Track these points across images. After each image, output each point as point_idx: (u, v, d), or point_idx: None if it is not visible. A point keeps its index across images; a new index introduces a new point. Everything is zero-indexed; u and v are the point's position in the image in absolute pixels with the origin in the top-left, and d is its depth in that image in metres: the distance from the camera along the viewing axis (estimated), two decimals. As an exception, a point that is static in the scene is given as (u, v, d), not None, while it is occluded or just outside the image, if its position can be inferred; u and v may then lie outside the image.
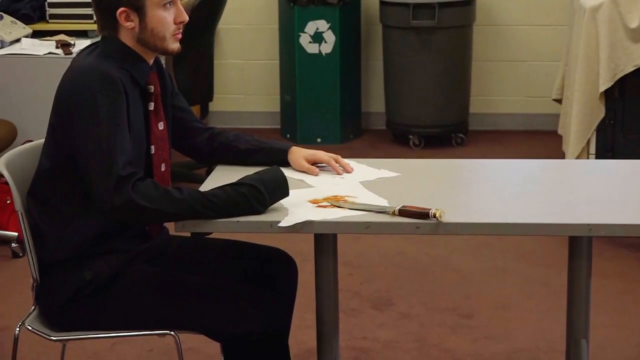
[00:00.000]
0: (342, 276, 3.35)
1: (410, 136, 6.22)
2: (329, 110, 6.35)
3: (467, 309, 4.12)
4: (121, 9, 2.76)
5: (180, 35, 2.86)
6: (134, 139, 2.76)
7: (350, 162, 3.09)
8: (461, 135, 6.34)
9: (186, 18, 2.85)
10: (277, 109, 6.63)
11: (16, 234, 4.74)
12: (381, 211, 2.67)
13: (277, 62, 6.60)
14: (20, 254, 4.69)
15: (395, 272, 4.51)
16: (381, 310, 4.12)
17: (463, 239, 4.83)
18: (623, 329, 3.93)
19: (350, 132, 6.44)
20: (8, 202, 4.82)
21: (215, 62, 6.03)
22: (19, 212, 2.87)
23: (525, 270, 4.46)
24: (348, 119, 6.46)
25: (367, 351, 3.78)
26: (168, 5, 2.80)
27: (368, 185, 2.92)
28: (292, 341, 3.04)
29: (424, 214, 2.59)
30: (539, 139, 6.19)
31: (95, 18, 2.92)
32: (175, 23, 2.82)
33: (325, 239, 2.95)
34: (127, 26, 2.79)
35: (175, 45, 2.85)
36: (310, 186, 2.91)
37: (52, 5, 5.66)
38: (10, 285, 4.42)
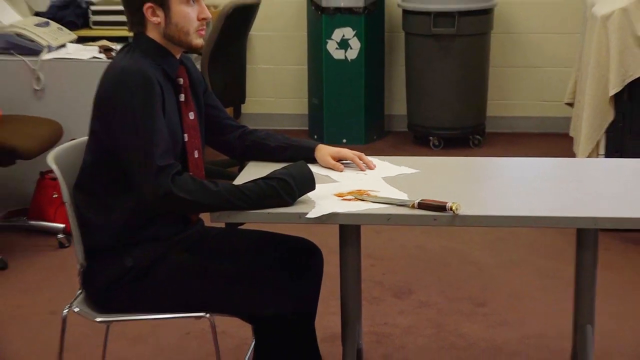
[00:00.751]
0: (365, 267, 3.39)
1: (431, 137, 6.23)
2: (354, 113, 6.35)
3: (481, 298, 4.13)
4: (147, 4, 2.80)
5: (203, 32, 2.89)
6: (169, 128, 2.78)
7: (373, 160, 3.12)
8: (478, 137, 6.34)
9: (209, 15, 2.87)
10: (305, 111, 6.66)
11: (62, 225, 4.80)
12: (401, 204, 2.70)
13: (306, 67, 6.62)
14: (66, 245, 4.74)
15: (415, 264, 4.52)
16: (401, 298, 4.14)
17: (479, 233, 4.86)
18: (629, 318, 3.93)
19: (373, 133, 6.45)
20: (55, 196, 4.87)
21: (248, 66, 6.01)
22: (66, 203, 2.91)
23: (537, 263, 4.47)
24: (372, 121, 6.46)
25: (388, 336, 3.80)
26: (191, 1, 2.82)
27: (389, 180, 2.95)
28: (317, 326, 3.10)
29: (441, 207, 2.63)
30: (552, 141, 6.18)
31: (127, 19, 2.94)
32: (198, 19, 2.84)
33: (349, 230, 2.99)
34: (154, 21, 2.82)
35: (199, 41, 2.87)
36: (335, 181, 2.94)
37: (95, 13, 5.71)
38: (57, 273, 4.43)
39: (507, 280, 4.33)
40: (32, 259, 4.63)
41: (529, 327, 3.85)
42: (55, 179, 4.81)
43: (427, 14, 6.04)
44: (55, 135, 4.75)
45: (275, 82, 6.80)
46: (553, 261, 4.40)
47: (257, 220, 2.73)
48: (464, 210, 2.63)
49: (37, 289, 4.28)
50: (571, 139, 5.27)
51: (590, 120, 4.74)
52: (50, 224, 4.85)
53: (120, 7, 5.64)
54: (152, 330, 3.85)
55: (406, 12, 6.23)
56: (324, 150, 3.09)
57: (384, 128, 6.66)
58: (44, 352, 3.69)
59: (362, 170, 3.05)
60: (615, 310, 3.96)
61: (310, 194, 2.77)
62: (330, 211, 2.67)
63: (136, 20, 2.86)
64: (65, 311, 2.91)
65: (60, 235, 4.76)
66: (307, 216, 2.66)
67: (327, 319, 3.48)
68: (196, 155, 2.93)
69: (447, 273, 4.43)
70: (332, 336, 3.44)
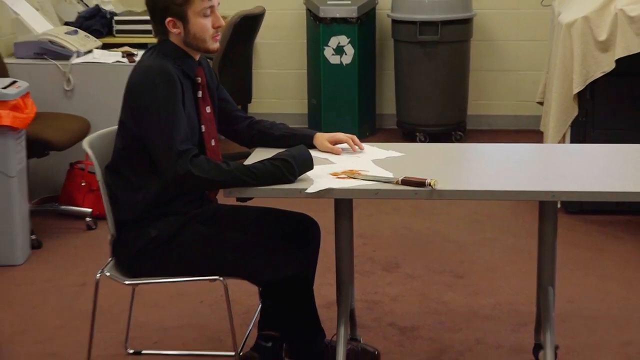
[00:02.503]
0: (357, 245, 3.42)
1: (417, 133, 6.20)
2: (349, 112, 6.32)
3: (460, 271, 4.16)
4: (169, 18, 2.85)
5: (218, 37, 2.92)
6: (188, 120, 2.84)
7: (365, 145, 3.17)
8: (460, 133, 6.31)
9: (222, 23, 2.91)
10: (305, 111, 6.63)
11: (90, 210, 4.82)
12: (387, 181, 2.75)
13: (305, 71, 6.60)
14: (93, 227, 4.78)
15: (402, 242, 4.53)
16: (390, 271, 4.16)
17: (458, 215, 4.90)
18: (588, 286, 3.97)
19: (366, 130, 6.41)
20: (83, 184, 4.90)
21: (253, 70, 6.01)
22: (100, 181, 2.96)
23: (510, 241, 4.50)
24: (364, 119, 6.44)
25: (378, 303, 3.82)
26: (207, 12, 2.86)
27: (378, 162, 3.00)
28: (315, 295, 3.12)
29: (421, 183, 2.69)
30: (525, 136, 6.08)
31: (152, 27, 2.97)
32: (213, 27, 2.88)
33: (343, 204, 3.04)
34: (174, 32, 2.87)
35: (215, 45, 2.91)
36: (331, 162, 2.98)
37: (118, 22, 5.67)
38: (86, 251, 4.47)
39: (482, 256, 4.35)
40: (63, 239, 4.64)
41: (501, 295, 3.88)
42: (82, 168, 4.98)
43: (414, 23, 6.03)
44: (83, 130, 4.76)
45: (278, 85, 6.78)
46: (522, 239, 4.43)
47: (264, 195, 2.77)
48: (441, 185, 2.69)
49: (68, 265, 4.31)
50: (542, 134, 5.24)
51: (557, 116, 4.74)
52: (79, 208, 4.87)
53: (140, 17, 5.84)
54: (169, 299, 3.88)
55: (395, 22, 6.22)
56: (321, 137, 3.14)
57: (375, 125, 6.63)
58: (77, 317, 3.71)
59: (354, 151, 3.11)
60: (576, 280, 4.02)
61: (309, 173, 2.82)
62: (327, 187, 2.73)
63: (160, 30, 2.91)
64: (98, 275, 2.96)
65: (88, 219, 4.79)
66: (307, 191, 2.71)
67: (324, 289, 3.50)
68: (213, 144, 2.97)
69: (430, 250, 4.44)
70: (329, 303, 3.44)
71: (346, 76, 6.31)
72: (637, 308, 3.78)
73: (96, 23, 5.66)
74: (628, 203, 4.70)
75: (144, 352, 3.46)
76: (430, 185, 2.69)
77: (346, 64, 6.28)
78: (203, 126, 2.96)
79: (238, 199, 2.93)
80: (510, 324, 3.64)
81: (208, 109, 3.00)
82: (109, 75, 5.03)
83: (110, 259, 3.03)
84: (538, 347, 3.27)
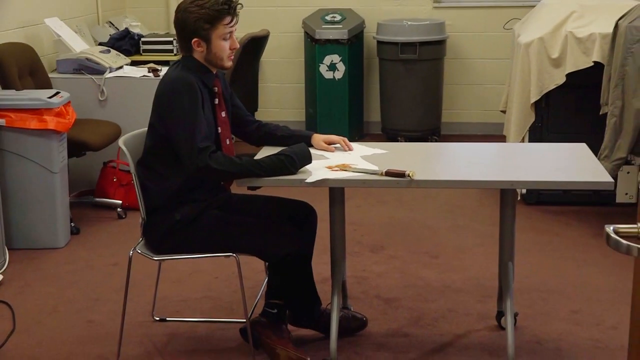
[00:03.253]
0: (348, 231, 3.37)
1: (399, 138, 6.16)
2: (340, 120, 6.28)
3: (435, 252, 4.19)
4: (195, 39, 2.89)
5: (232, 57, 2.96)
6: (207, 122, 2.87)
7: (354, 144, 3.20)
8: (435, 137, 6.29)
9: (237, 46, 2.96)
10: (303, 118, 6.57)
11: (120, 201, 4.83)
12: (373, 173, 2.81)
13: (303, 85, 6.57)
14: (123, 216, 4.76)
15: (386, 228, 4.56)
16: (376, 252, 4.19)
17: (434, 206, 4.90)
18: (544, 265, 4.00)
19: (355, 135, 6.31)
20: (114, 180, 4.91)
21: (260, 84, 6.04)
22: (132, 174, 2.98)
23: (478, 228, 4.53)
24: (354, 125, 6.41)
25: (366, 278, 3.85)
26: (227, 37, 2.92)
27: (366, 157, 3.04)
28: (313, 271, 3.15)
29: (401, 174, 2.75)
30: (491, 140, 5.62)
31: (178, 44, 3.02)
32: (230, 49, 2.93)
33: (336, 192, 3.07)
34: (198, 50, 2.91)
35: (229, 63, 2.95)
36: (326, 158, 3.03)
37: (144, 43, 5.66)
38: (117, 237, 4.49)
39: (453, 239, 4.38)
40: (98, 226, 4.66)
41: (470, 272, 3.92)
42: (114, 167, 5.01)
43: (396, 44, 6.06)
44: (115, 133, 4.78)
45: (280, 96, 6.75)
46: (488, 226, 4.44)
47: (270, 184, 2.82)
48: (418, 176, 2.74)
49: (102, 248, 4.33)
50: (505, 137, 5.14)
51: (517, 122, 4.75)
52: (111, 200, 4.88)
53: (163, 39, 5.87)
54: (189, 275, 3.89)
55: (380, 43, 6.22)
56: (317, 138, 3.17)
57: (363, 131, 6.60)
58: (110, 291, 3.76)
59: (345, 150, 3.14)
60: (533, 260, 4.05)
61: (308, 166, 2.86)
62: (322, 177, 2.78)
63: (185, 47, 2.94)
64: (131, 252, 2.99)
65: (118, 209, 4.80)
66: (306, 181, 2.77)
67: (320, 268, 3.49)
68: (227, 142, 3.01)
69: (410, 234, 4.46)
70: (324, 279, 3.48)
71: (338, 89, 6.30)
72: (585, 283, 3.81)
73: (126, 43, 5.68)
74: (577, 195, 4.80)
75: (168, 319, 3.48)
76: (409, 175, 2.74)
77: (338, 79, 6.28)
78: (219, 128, 2.99)
79: (249, 188, 2.95)
80: (477, 295, 3.67)
81: (223, 114, 3.03)
82: (136, 87, 5.04)
83: (140, 239, 3.05)
84: (500, 314, 3.32)
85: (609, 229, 1.50)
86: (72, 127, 4.35)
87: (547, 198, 4.85)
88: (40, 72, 4.91)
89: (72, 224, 4.54)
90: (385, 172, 2.80)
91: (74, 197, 4.93)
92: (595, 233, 4.39)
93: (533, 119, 4.75)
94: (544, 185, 2.90)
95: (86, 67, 5.10)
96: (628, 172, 4.40)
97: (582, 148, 3.20)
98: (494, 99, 6.34)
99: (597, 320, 3.42)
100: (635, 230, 1.51)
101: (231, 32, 2.93)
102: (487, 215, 4.65)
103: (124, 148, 3.01)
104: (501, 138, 5.46)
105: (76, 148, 4.60)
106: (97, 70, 5.10)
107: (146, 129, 3.03)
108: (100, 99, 5.09)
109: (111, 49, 5.43)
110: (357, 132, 6.52)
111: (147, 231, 3.02)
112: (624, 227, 1.52)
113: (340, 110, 6.36)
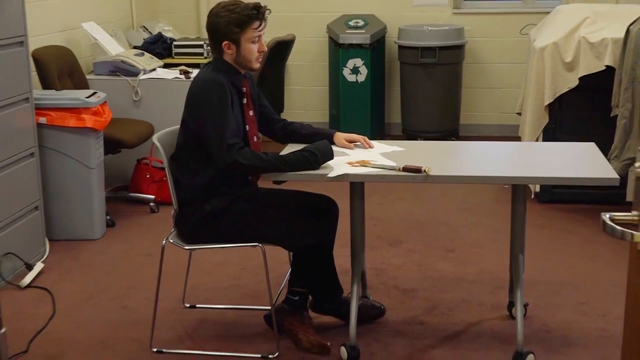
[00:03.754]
0: (368, 226, 3.47)
1: (418, 138, 6.06)
2: (362, 121, 6.26)
3: (451, 247, 4.22)
4: (225, 42, 2.94)
5: (260, 59, 3.00)
6: (235, 120, 2.93)
7: (375, 142, 3.26)
8: (453, 138, 6.27)
9: (265, 49, 3.01)
10: (327, 120, 6.59)
11: (153, 196, 4.89)
12: (391, 169, 2.86)
13: (327, 87, 6.60)
14: (156, 210, 4.82)
15: (405, 224, 4.58)
16: (394, 246, 4.22)
17: (450, 203, 4.92)
18: (555, 259, 4.03)
19: (376, 136, 6.01)
20: (147, 176, 4.97)
21: (285, 87, 6.01)
22: (166, 168, 3.03)
23: (491, 224, 4.54)
24: (375, 126, 6.40)
25: (385, 270, 3.89)
26: (256, 40, 2.97)
27: (384, 154, 3.08)
28: (335, 264, 3.18)
29: (417, 170, 2.80)
30: (507, 141, 6.08)
31: (209, 47, 3.05)
32: (258, 51, 2.97)
33: (356, 186, 3.11)
34: (228, 52, 2.96)
35: (257, 65, 3.00)
36: (347, 155, 3.07)
37: (176, 46, 5.74)
38: (150, 229, 4.55)
39: (468, 235, 4.41)
40: (132, 220, 4.71)
41: (483, 265, 3.95)
42: (147, 164, 5.06)
43: (416, 48, 6.09)
44: (148, 132, 4.81)
45: (305, 98, 6.76)
46: (502, 223, 4.24)
47: (294, 179, 2.86)
48: (434, 172, 2.78)
49: (135, 240, 4.38)
50: (520, 139, 5.16)
51: (531, 123, 4.76)
52: (144, 195, 4.93)
53: (194, 42, 5.93)
54: (217, 266, 3.94)
55: (400, 47, 6.25)
56: (340, 136, 3.21)
57: (384, 132, 6.60)
58: (143, 280, 3.81)
59: (365, 148, 3.18)
60: (545, 254, 4.08)
61: (330, 162, 2.91)
62: (343, 172, 2.83)
63: (216, 49, 2.99)
64: (164, 242, 3.04)
65: (151, 204, 4.86)
66: (328, 176, 2.82)
67: (341, 260, 3.45)
68: (255, 140, 3.05)
69: (427, 230, 4.49)
70: (345, 270, 3.39)
71: (361, 91, 6.31)
72: (593, 276, 3.84)
73: (158, 47, 5.73)
74: (590, 194, 4.82)
75: (197, 306, 3.55)
76: (424, 171, 2.79)
77: (361, 82, 6.29)
78: (247, 126, 3.04)
79: (274, 182, 3.00)
80: (490, 287, 3.70)
81: (251, 113, 3.08)
82: (169, 88, 5.08)
83: (173, 229, 3.10)
84: (511, 304, 3.36)
85: (605, 216, 1.56)
86: (108, 125, 4.39)
87: (560, 196, 4.86)
88: (78, 73, 4.97)
89: (108, 217, 4.59)
90: (403, 167, 2.84)
91: (110, 192, 4.96)
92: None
93: (547, 121, 4.77)
94: (553, 181, 2.96)
95: (121, 69, 5.14)
96: (637, 172, 4.41)
97: (591, 147, 3.23)
98: (510, 101, 6.31)
99: (604, 312, 3.46)
100: (630, 218, 1.57)
101: (259, 36, 2.98)
102: (502, 213, 4.55)
103: (157, 144, 3.07)
104: (517, 139, 5.45)
105: (112, 145, 4.65)
106: (131, 72, 5.14)
107: (178, 126, 3.09)
108: (135, 99, 5.12)
109: (145, 52, 5.47)
110: (379, 133, 6.51)
111: (179, 222, 3.07)
112: (619, 215, 1.58)
113: (362, 112, 6.36)
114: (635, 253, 1.52)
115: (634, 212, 1.52)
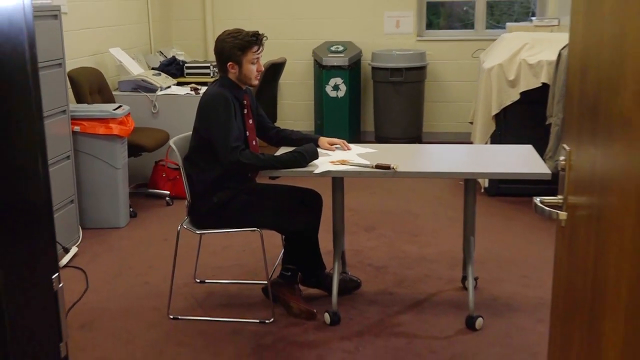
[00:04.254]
0: (347, 216, 3.45)
1: (389, 143, 6.15)
2: (342, 129, 6.22)
3: (416, 232, 4.21)
4: (229, 62, 2.96)
5: (259, 77, 3.01)
6: (238, 127, 2.93)
7: (352, 145, 3.25)
8: (417, 143, 6.12)
9: (262, 68, 3.02)
10: (313, 128, 6.55)
11: (168, 192, 4.85)
12: (366, 166, 2.89)
13: (313, 102, 6.55)
14: (171, 204, 4.78)
15: (378, 214, 4.56)
16: (369, 232, 4.21)
17: (415, 196, 4.88)
18: (501, 242, 4.02)
19: (354, 140, 5.49)
20: (163, 175, 4.93)
21: (278, 101, 6.04)
22: (180, 167, 3.03)
23: (449, 213, 4.53)
24: (353, 134, 6.36)
25: (361, 251, 3.89)
26: (255, 61, 2.98)
27: (360, 155, 3.11)
28: (319, 245, 3.20)
29: (387, 167, 2.84)
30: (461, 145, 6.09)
31: (216, 67, 3.10)
32: (257, 71, 3.00)
33: (338, 181, 3.15)
34: (232, 71, 2.98)
35: (256, 82, 3.00)
36: (329, 155, 3.11)
37: (188, 67, 5.71)
38: (166, 219, 4.51)
39: (431, 222, 4.38)
40: (151, 211, 4.68)
41: (442, 247, 3.95)
42: (164, 165, 5.01)
43: (386, 69, 6.09)
44: (164, 138, 4.82)
45: (294, 111, 6.71)
46: (457, 212, 4.12)
47: (287, 174, 2.91)
48: (401, 168, 2.81)
49: (154, 228, 4.35)
50: (472, 143, 5.06)
51: (481, 131, 4.75)
52: (160, 191, 4.91)
53: (202, 64, 5.90)
54: (222, 248, 3.93)
55: (374, 68, 6.24)
56: (323, 140, 3.23)
57: (360, 137, 6.57)
58: (161, 260, 3.80)
59: (344, 150, 3.19)
60: (492, 237, 4.07)
61: (315, 161, 2.95)
62: (327, 169, 2.85)
63: (222, 68, 3.01)
64: (179, 227, 3.08)
65: (167, 198, 4.84)
66: (314, 172, 2.84)
67: (325, 242, 3.46)
68: (254, 144, 3.08)
69: (396, 218, 4.47)
70: (328, 251, 3.41)
71: (340, 105, 6.30)
72: (533, 255, 3.83)
73: (172, 68, 5.72)
74: (531, 188, 4.74)
75: (206, 281, 3.54)
76: (393, 168, 2.82)
77: (340, 97, 6.28)
78: (247, 132, 3.06)
79: (270, 178, 3.05)
80: (447, 264, 3.71)
81: (250, 121, 3.09)
82: (181, 102, 5.06)
83: (186, 217, 3.12)
84: (464, 278, 3.38)
85: (537, 200, 1.61)
86: (131, 133, 4.38)
87: (505, 191, 4.86)
88: (106, 90, 4.94)
89: (131, 209, 4.57)
90: (375, 165, 2.87)
91: (132, 189, 4.92)
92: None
93: (494, 128, 4.77)
94: (498, 176, 2.97)
95: (142, 87, 5.13)
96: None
97: (530, 149, 3.26)
98: (464, 113, 6.35)
99: (541, 283, 3.47)
100: (556, 200, 1.62)
101: (258, 58, 2.99)
102: (457, 203, 4.46)
103: (173, 147, 3.08)
104: (469, 143, 5.35)
105: (134, 149, 4.64)
106: (150, 89, 5.13)
107: (190, 133, 3.09)
108: (153, 111, 5.11)
109: (161, 73, 5.46)
110: (356, 138, 6.48)
111: (191, 211, 3.08)
112: (548, 198, 1.63)
113: (342, 121, 6.35)
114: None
115: (559, 196, 1.58)
